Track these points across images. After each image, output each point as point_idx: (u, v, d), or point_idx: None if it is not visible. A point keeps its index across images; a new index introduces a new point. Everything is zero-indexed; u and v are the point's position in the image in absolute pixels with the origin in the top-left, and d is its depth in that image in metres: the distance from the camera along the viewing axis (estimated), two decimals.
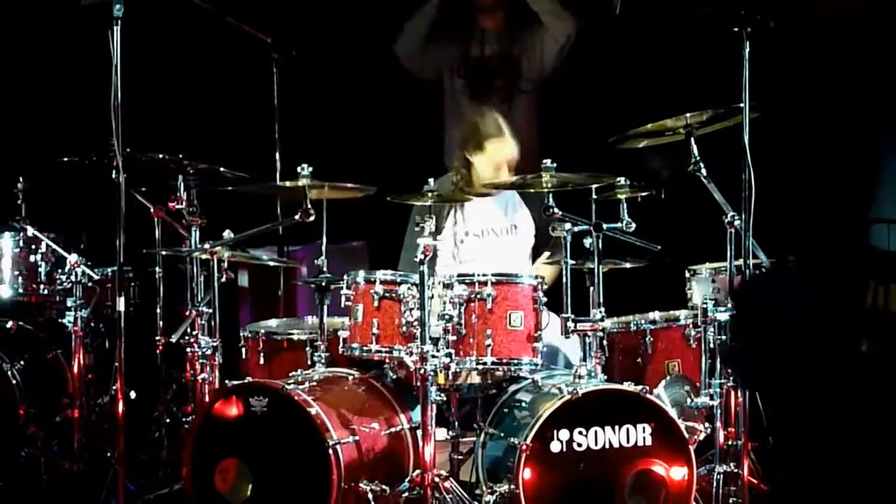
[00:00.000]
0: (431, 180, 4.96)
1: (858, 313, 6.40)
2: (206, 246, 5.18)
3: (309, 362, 5.31)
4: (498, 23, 7.09)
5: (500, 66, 7.04)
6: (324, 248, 5.36)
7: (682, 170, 5.02)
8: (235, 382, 4.91)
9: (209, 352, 5.22)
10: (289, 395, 4.73)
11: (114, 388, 5.53)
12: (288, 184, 5.09)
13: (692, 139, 4.97)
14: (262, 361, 5.46)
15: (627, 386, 4.76)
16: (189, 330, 5.29)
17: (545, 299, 4.90)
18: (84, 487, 5.56)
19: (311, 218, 5.01)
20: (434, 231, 4.80)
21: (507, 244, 5.69)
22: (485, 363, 4.80)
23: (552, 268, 5.54)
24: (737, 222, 4.77)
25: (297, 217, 5.00)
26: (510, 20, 7.09)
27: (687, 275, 5.55)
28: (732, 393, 4.87)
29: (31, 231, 5.91)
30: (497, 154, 5.65)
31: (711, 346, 4.86)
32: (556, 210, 4.86)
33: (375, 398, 5.07)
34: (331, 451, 4.62)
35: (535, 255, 5.79)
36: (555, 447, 4.60)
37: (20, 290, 5.94)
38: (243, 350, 5.55)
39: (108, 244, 5.09)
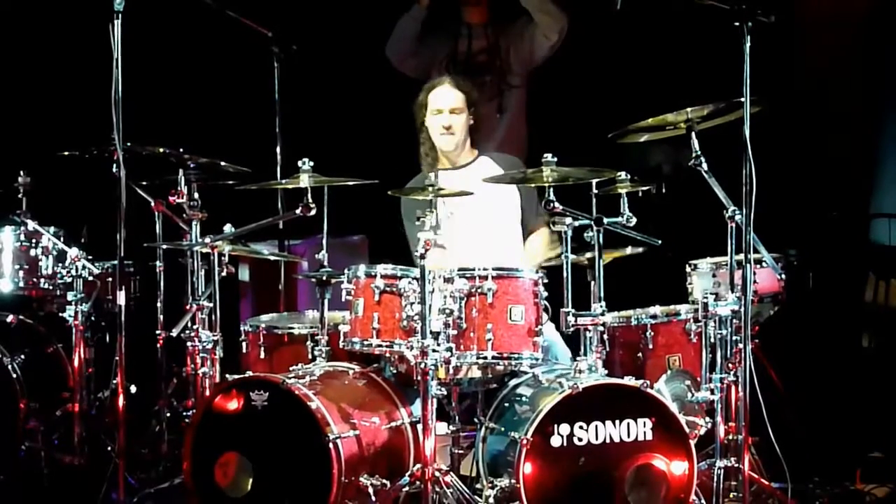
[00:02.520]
0: (432, 175, 4.95)
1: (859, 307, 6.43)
2: (207, 240, 5.17)
3: (309, 356, 5.31)
4: (483, 16, 7.06)
5: (489, 61, 7.01)
6: (324, 242, 5.36)
7: (682, 164, 5.02)
8: (236, 376, 4.90)
9: (210, 346, 5.22)
10: (289, 390, 4.73)
11: (114, 382, 5.54)
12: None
13: (693, 134, 4.96)
14: (262, 355, 5.46)
15: (628, 380, 4.76)
16: (190, 324, 5.29)
17: (546, 294, 4.90)
18: (85, 481, 5.56)
19: (312, 212, 5.01)
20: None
21: (487, 205, 5.65)
22: (485, 357, 4.79)
23: (547, 244, 5.54)
24: (738, 217, 4.77)
25: (297, 211, 5.00)
26: (495, 13, 7.07)
27: (688, 269, 5.55)
28: (733, 388, 4.88)
29: (31, 225, 5.91)
30: (437, 100, 5.67)
31: (712, 340, 4.86)
32: (556, 204, 4.86)
33: (376, 392, 5.07)
34: (331, 445, 4.62)
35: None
36: (555, 442, 4.60)
37: (21, 284, 5.94)
38: (244, 344, 5.55)
39: (109, 238, 5.10)
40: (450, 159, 5.76)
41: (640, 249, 5.31)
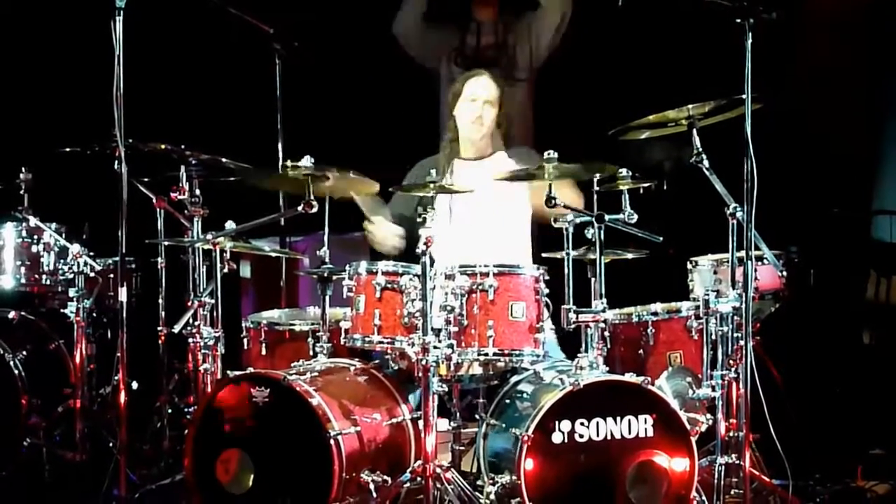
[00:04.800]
0: (434, 171, 4.96)
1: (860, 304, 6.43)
2: (209, 236, 5.17)
3: (311, 353, 5.31)
4: (493, 14, 7.11)
5: (496, 56, 7.05)
6: (326, 238, 5.35)
7: (684, 161, 5.02)
8: (237, 373, 4.91)
9: (211, 342, 5.21)
10: (290, 386, 4.73)
11: (116, 378, 5.53)
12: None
13: (694, 130, 4.96)
14: (263, 352, 5.46)
15: (629, 377, 4.75)
16: (191, 320, 5.28)
17: (547, 290, 4.90)
18: (86, 477, 5.57)
19: (314, 209, 5.00)
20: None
21: (494, 202, 5.65)
22: (486, 354, 4.79)
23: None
24: (739, 214, 4.77)
25: (299, 208, 5.00)
26: (505, 10, 7.11)
27: (689, 266, 5.55)
28: (734, 384, 4.88)
29: (33, 221, 5.91)
30: (474, 89, 5.71)
31: (713, 337, 4.86)
32: (557, 201, 4.87)
33: (377, 389, 5.08)
34: (332, 441, 4.63)
35: None
36: (556, 438, 4.60)
37: (23, 281, 5.94)
38: (245, 341, 5.55)
39: (111, 234, 5.09)
40: (469, 151, 5.77)
41: (643, 254, 5.31)
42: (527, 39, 7.03)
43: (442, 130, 6.91)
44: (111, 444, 5.66)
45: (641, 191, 5.10)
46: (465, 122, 5.76)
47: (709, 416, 4.88)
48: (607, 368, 4.91)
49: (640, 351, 5.19)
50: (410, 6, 7.02)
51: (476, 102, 5.73)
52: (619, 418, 4.65)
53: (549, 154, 4.88)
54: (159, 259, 5.96)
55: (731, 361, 4.84)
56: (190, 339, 5.27)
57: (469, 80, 5.79)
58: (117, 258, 5.14)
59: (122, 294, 5.07)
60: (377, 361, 5.26)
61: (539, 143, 6.22)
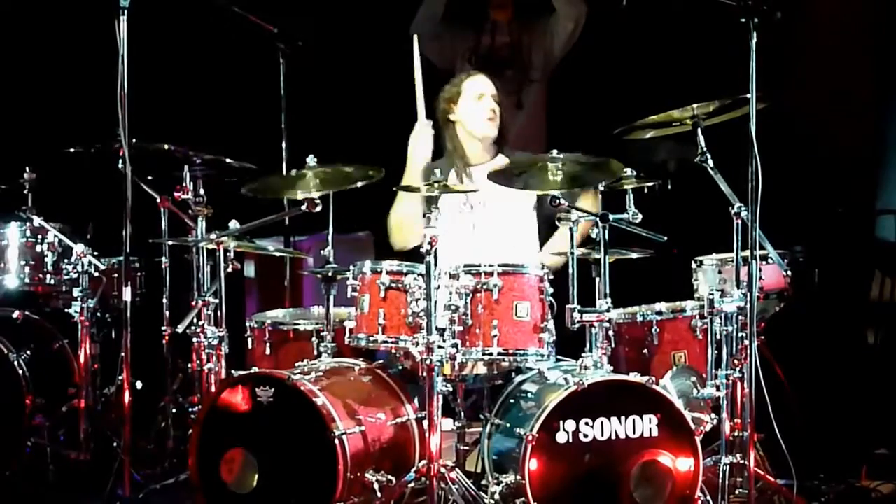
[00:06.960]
0: (437, 171, 4.96)
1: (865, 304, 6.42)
2: (213, 236, 5.17)
3: (315, 353, 5.31)
4: (508, 16, 7.14)
5: (511, 57, 7.08)
6: (330, 238, 5.36)
7: (688, 161, 5.02)
8: (242, 373, 4.91)
9: (215, 342, 5.21)
10: (295, 386, 4.73)
11: (120, 378, 5.53)
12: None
13: (699, 130, 4.96)
14: (268, 352, 5.47)
15: (634, 377, 4.75)
16: (195, 320, 5.28)
17: (551, 290, 4.89)
18: (90, 477, 5.57)
19: (318, 208, 5.00)
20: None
21: (500, 205, 5.64)
22: (491, 354, 4.79)
23: (557, 259, 5.51)
24: (744, 213, 4.77)
25: (303, 207, 5.00)
26: (520, 12, 7.14)
27: (693, 266, 5.55)
28: (738, 384, 4.88)
29: (37, 221, 5.92)
30: (478, 86, 5.76)
31: (718, 337, 4.86)
32: (562, 201, 4.86)
33: (381, 388, 5.07)
34: (337, 441, 4.62)
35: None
36: (561, 438, 4.60)
37: (27, 280, 5.95)
38: (249, 340, 5.56)
39: (115, 234, 5.10)
40: (476, 156, 5.75)
41: (648, 253, 5.30)
42: (541, 41, 7.06)
43: None
44: (115, 444, 5.66)
45: (646, 190, 5.10)
46: (480, 120, 5.73)
47: (713, 415, 4.88)
48: (612, 368, 4.91)
49: (645, 350, 5.20)
50: (429, 7, 7.03)
51: (484, 98, 5.73)
52: (623, 418, 4.65)
53: (552, 153, 4.88)
54: (163, 259, 5.96)
55: (735, 361, 4.84)
56: (194, 339, 5.27)
57: (469, 79, 5.80)
58: (121, 258, 5.15)
59: (127, 294, 5.08)
60: (383, 361, 5.26)
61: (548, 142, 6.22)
